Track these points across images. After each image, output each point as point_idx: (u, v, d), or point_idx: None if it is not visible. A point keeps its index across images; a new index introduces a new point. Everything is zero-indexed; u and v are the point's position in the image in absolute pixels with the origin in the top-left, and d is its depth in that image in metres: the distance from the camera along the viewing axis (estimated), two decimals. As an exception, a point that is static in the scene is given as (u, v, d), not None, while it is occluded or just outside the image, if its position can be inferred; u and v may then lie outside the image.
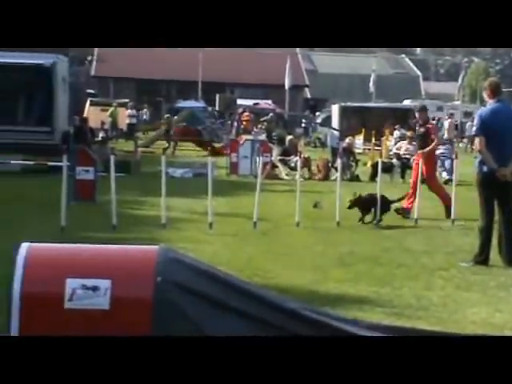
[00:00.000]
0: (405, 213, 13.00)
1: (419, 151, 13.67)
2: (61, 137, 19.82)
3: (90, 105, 37.24)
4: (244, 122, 31.91)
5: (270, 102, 46.39)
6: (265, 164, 17.60)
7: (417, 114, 14.77)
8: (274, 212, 13.06)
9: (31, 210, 12.71)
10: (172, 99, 50.19)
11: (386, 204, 12.29)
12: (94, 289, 4.24)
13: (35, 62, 19.82)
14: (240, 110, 36.48)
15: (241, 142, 21.98)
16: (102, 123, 31.46)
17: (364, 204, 12.19)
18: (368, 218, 12.15)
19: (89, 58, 55.95)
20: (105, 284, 4.25)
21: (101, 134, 27.08)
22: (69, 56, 28.63)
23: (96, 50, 55.04)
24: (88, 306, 4.21)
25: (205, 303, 4.37)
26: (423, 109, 14.47)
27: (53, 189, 13.05)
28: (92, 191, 13.66)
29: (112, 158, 11.39)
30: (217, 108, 44.30)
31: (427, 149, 13.43)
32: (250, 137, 23.08)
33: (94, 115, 31.89)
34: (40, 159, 17.34)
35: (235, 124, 34.75)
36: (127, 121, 36.76)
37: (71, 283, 4.23)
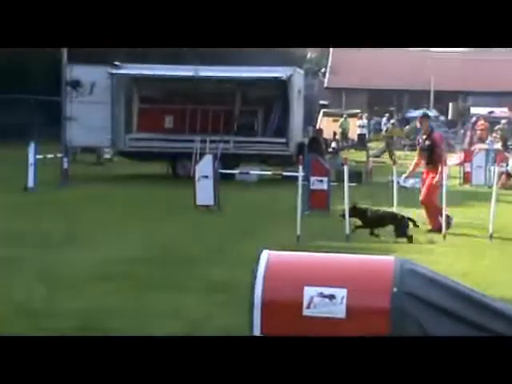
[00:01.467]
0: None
1: (426, 166, 11.93)
2: (295, 148, 20.34)
3: (323, 116, 37.97)
4: (479, 131, 30.94)
5: (505, 109, 44.45)
6: (500, 174, 16.99)
7: (417, 124, 12.82)
8: (511, 224, 12.53)
9: (268, 218, 13.19)
10: (403, 109, 49.78)
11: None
12: (331, 297, 4.33)
13: (273, 75, 20.43)
14: (474, 119, 35.38)
15: (475, 151, 21.38)
16: (334, 134, 31.93)
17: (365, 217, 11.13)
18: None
19: (322, 70, 57.02)
20: (341, 293, 4.33)
21: (332, 145, 27.50)
22: (303, 68, 29.40)
23: (329, 62, 56.00)
24: (325, 313, 4.31)
25: (442, 316, 4.32)
26: (425, 116, 12.66)
27: (286, 198, 13.46)
28: (326, 201, 13.86)
29: (345, 168, 11.52)
30: (449, 117, 43.26)
31: (440, 167, 11.55)
32: (484, 146, 22.35)
33: (326, 126, 32.49)
34: (274, 169, 17.95)
35: (468, 133, 33.76)
36: (358, 131, 36.99)
37: (309, 291, 4.36)
